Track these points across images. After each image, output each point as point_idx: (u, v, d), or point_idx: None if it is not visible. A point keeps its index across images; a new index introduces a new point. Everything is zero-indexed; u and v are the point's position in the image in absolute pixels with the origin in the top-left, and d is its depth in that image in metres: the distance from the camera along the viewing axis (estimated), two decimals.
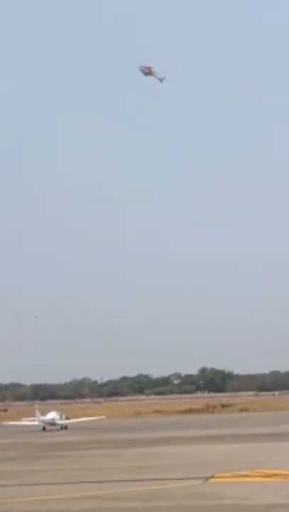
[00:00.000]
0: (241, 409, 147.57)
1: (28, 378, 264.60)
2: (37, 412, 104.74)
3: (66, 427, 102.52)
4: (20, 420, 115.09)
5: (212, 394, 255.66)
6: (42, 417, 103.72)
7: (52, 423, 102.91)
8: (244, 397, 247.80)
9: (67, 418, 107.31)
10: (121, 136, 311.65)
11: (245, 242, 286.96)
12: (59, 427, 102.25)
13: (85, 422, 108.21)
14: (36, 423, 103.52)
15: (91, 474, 39.22)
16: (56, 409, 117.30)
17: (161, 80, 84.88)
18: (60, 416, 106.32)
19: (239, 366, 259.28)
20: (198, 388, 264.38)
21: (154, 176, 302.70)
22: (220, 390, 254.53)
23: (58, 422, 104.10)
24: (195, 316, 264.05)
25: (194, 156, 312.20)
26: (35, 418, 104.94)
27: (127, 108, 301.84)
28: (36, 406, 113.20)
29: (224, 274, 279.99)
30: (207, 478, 34.50)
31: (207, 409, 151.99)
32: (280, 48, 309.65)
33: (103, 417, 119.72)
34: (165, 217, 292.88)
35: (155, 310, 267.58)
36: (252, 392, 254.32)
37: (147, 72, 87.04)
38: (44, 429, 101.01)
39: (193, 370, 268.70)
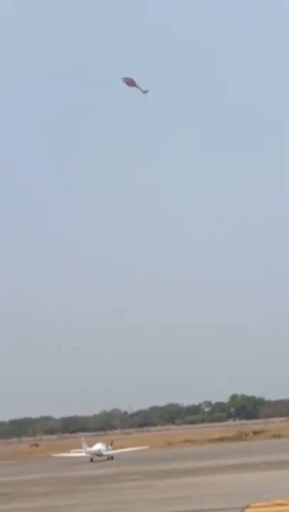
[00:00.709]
0: (274, 436, 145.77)
1: (58, 411, 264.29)
2: (84, 444, 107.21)
3: (112, 458, 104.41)
4: (68, 452, 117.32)
5: (244, 421, 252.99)
6: (89, 449, 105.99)
7: (98, 454, 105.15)
8: (276, 423, 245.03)
9: (112, 448, 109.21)
10: None
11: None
12: (105, 458, 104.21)
13: (129, 452, 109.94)
14: (84, 454, 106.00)
15: (127, 508, 38.96)
16: (87, 441, 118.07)
17: (144, 92, 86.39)
18: (106, 447, 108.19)
19: (270, 392, 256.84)
20: (229, 416, 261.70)
21: None
22: (252, 416, 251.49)
23: (105, 452, 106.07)
24: (223, 344, 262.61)
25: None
26: (82, 450, 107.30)
27: None
28: (82, 438, 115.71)
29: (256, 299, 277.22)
30: (243, 509, 34.21)
31: (239, 436, 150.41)
32: None
33: (146, 447, 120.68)
34: None
35: (182, 339, 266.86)
36: (284, 418, 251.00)
37: (130, 82, 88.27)
38: (92, 460, 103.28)
39: (224, 398, 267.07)
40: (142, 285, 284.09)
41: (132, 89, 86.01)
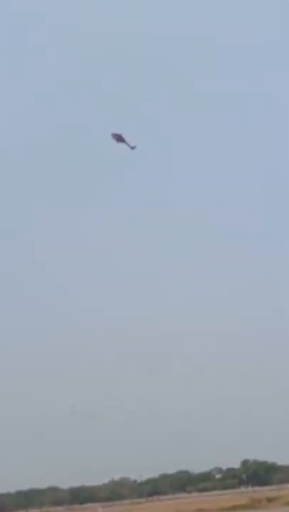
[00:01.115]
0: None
1: (66, 481, 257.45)
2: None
3: None
4: None
5: (256, 488, 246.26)
6: None
7: None
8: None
9: None
10: None
11: None
12: None
13: None
14: None
15: None
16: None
17: (132, 148, 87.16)
18: None
19: (283, 456, 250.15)
20: (241, 482, 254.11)
21: None
22: (264, 482, 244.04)
23: None
24: (234, 406, 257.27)
25: None
26: None
27: None
28: (100, 510, 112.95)
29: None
30: None
31: (252, 504, 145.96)
32: None
33: None
34: None
35: (191, 403, 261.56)
36: None
37: (119, 139, 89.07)
38: None
39: (235, 463, 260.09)
40: (148, 353, 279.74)
41: (121, 145, 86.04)
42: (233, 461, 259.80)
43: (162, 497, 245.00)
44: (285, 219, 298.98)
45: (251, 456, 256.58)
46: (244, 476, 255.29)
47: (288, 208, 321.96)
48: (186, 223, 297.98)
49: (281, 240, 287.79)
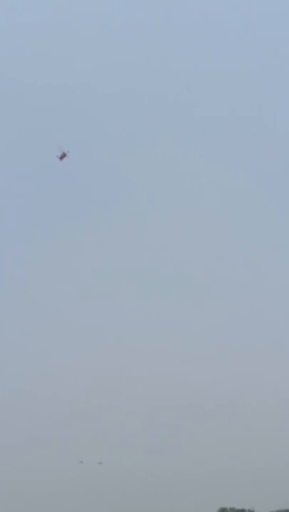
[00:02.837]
0: None
1: None
2: None
3: None
4: None
5: None
6: None
7: None
8: None
9: None
10: None
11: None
12: None
13: None
14: None
15: None
16: None
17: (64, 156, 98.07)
18: None
19: (260, 503, 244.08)
20: None
21: None
22: None
23: None
24: (210, 455, 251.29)
25: None
26: None
27: None
28: None
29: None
30: None
31: None
32: None
33: None
34: None
35: (161, 453, 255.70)
36: None
37: (62, 156, 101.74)
38: None
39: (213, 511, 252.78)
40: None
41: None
42: (209, 509, 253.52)
43: None
44: None
45: (228, 504, 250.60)
46: None
47: None
48: None
49: None
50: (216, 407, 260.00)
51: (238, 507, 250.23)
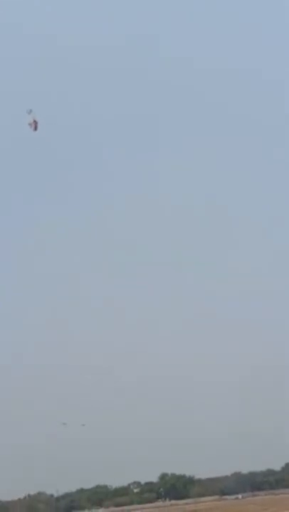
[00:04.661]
0: None
1: None
2: None
3: None
4: None
5: (174, 501, 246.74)
6: None
7: None
8: (208, 502, 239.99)
9: None
10: None
11: None
12: None
13: None
14: None
15: None
16: None
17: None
18: None
19: (200, 470, 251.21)
20: (159, 496, 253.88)
21: None
22: (182, 496, 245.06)
23: None
24: (151, 422, 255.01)
25: None
26: None
27: None
28: None
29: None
30: None
31: None
32: None
33: None
34: None
35: (111, 417, 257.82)
36: (215, 497, 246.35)
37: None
38: None
39: (153, 477, 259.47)
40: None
41: None
42: (151, 475, 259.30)
43: None
44: None
45: (169, 470, 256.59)
46: (162, 489, 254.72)
47: None
48: None
49: None
50: None
51: (179, 473, 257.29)
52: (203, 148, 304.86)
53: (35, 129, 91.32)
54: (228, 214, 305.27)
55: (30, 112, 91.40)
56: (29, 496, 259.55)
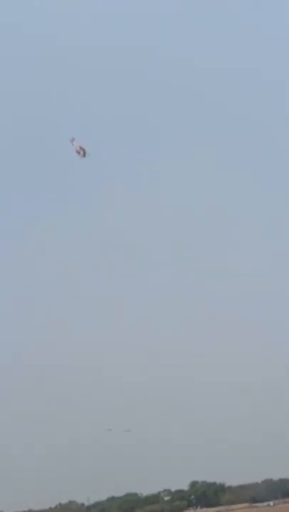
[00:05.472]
0: None
1: (10, 506, 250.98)
2: None
3: None
4: None
5: (205, 509, 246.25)
6: None
7: None
8: (239, 509, 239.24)
9: None
10: None
11: None
12: None
13: None
14: None
15: None
16: None
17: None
18: None
19: (231, 477, 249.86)
20: (190, 504, 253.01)
21: None
22: (213, 504, 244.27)
23: None
24: (181, 430, 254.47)
25: None
26: None
27: None
28: None
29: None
30: None
31: None
32: None
33: None
34: None
35: (138, 426, 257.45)
36: (246, 504, 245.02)
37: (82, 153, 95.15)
38: None
39: (184, 485, 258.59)
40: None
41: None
42: (181, 483, 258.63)
43: None
44: None
45: (200, 478, 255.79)
46: (192, 497, 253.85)
47: None
48: None
49: None
50: None
51: (210, 480, 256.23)
52: (203, 148, 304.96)
53: (84, 155, 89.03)
54: (228, 214, 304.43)
55: (72, 140, 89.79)
56: (60, 504, 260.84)
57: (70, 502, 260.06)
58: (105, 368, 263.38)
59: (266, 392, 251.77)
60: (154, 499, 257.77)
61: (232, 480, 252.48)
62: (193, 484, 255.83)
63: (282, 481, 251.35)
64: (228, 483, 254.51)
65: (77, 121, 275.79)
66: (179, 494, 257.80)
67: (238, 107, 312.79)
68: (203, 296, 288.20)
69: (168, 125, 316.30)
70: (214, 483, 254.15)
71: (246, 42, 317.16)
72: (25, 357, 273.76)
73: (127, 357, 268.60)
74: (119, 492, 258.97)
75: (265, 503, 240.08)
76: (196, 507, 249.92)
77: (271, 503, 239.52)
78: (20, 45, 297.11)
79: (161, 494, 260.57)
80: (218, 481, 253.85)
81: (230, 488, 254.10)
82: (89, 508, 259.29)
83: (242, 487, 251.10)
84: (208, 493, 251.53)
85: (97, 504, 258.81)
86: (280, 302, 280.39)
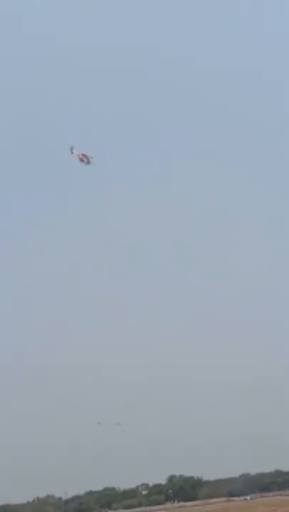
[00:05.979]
0: None
1: None
2: None
3: None
4: None
5: (182, 503, 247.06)
6: None
7: None
8: (216, 503, 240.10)
9: None
10: None
11: None
12: None
13: None
14: None
15: None
16: None
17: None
18: None
19: (208, 471, 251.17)
20: (167, 498, 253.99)
21: None
22: (191, 498, 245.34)
23: None
24: (158, 424, 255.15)
25: None
26: None
27: None
28: None
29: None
30: None
31: None
32: None
33: None
34: None
35: (116, 419, 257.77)
36: (224, 498, 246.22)
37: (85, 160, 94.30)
38: None
39: (161, 479, 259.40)
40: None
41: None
42: (159, 477, 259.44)
43: None
44: None
45: (177, 472, 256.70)
46: (170, 491, 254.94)
47: None
48: None
49: None
50: None
51: (187, 474, 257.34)
52: (203, 148, 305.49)
53: (88, 162, 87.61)
54: (228, 214, 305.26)
55: (72, 149, 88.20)
56: (38, 498, 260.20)
57: (48, 496, 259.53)
58: (105, 367, 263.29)
59: (266, 392, 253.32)
60: (131, 493, 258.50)
61: (209, 474, 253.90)
62: (171, 478, 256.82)
63: (259, 475, 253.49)
64: (205, 478, 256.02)
65: (77, 121, 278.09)
66: (156, 488, 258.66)
67: (238, 107, 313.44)
68: (203, 296, 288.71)
69: (168, 125, 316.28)
70: (192, 478, 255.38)
71: (246, 42, 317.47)
72: (25, 357, 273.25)
73: (127, 357, 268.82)
74: (97, 486, 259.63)
75: (243, 497, 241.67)
76: (174, 501, 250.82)
77: (248, 497, 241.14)
78: (21, 45, 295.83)
79: (139, 488, 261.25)
80: (196, 475, 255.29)
81: (207, 482, 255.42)
82: (67, 502, 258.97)
83: (219, 481, 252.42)
84: (185, 488, 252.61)
85: (75, 498, 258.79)
86: (280, 302, 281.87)
